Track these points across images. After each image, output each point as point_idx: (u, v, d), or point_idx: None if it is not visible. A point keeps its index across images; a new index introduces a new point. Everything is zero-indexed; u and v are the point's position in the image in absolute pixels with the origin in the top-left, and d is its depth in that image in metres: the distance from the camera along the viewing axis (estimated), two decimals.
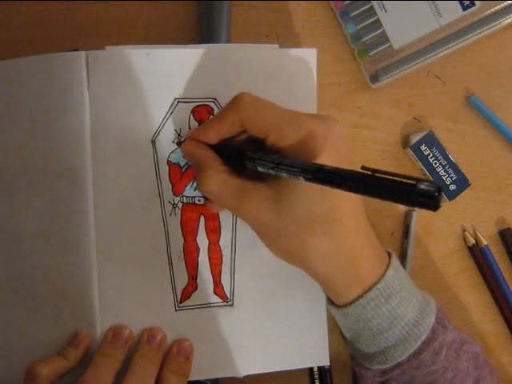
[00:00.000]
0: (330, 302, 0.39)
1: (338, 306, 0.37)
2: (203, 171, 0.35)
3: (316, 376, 0.46)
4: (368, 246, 0.36)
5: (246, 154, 0.35)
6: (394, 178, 0.26)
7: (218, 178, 0.35)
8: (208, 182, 0.35)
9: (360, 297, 0.36)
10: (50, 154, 0.39)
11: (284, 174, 0.32)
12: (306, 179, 0.30)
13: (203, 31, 0.45)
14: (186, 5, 0.46)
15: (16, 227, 0.40)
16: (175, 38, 0.46)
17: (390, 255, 0.38)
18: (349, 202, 0.35)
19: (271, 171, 0.33)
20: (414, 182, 0.25)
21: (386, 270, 0.36)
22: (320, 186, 0.30)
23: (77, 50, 0.40)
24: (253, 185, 0.35)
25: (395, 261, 0.37)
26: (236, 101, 0.35)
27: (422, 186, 0.25)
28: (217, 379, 0.45)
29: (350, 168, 0.29)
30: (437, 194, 0.25)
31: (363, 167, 0.28)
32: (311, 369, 0.46)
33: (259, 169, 0.34)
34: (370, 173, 0.27)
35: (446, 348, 0.37)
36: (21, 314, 0.40)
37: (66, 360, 0.37)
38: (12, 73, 0.40)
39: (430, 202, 0.25)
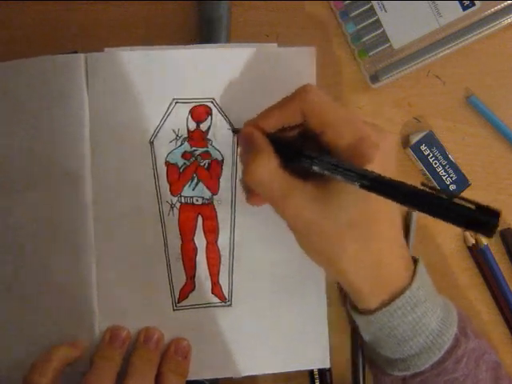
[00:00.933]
0: (353, 307, 0.38)
1: (361, 313, 0.37)
2: (255, 159, 0.34)
3: (316, 376, 0.46)
4: (400, 256, 0.36)
5: (304, 152, 0.34)
6: (452, 198, 0.27)
7: (268, 169, 0.34)
8: (260, 171, 0.34)
9: (387, 304, 0.35)
10: (50, 154, 0.39)
11: (339, 177, 0.32)
12: (362, 186, 0.30)
13: (203, 31, 0.45)
14: (186, 5, 0.46)
15: (15, 227, 0.40)
16: (175, 38, 0.46)
17: (415, 261, 0.38)
18: (389, 211, 0.35)
19: (326, 172, 0.32)
20: (473, 207, 0.26)
21: (412, 279, 0.36)
22: (365, 193, 0.30)
23: (75, 52, 0.40)
24: (299, 182, 0.34)
25: (421, 268, 0.37)
26: (301, 91, 0.35)
27: (482, 213, 0.26)
28: (216, 379, 0.45)
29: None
30: (495, 222, 0.25)
31: (422, 184, 0.29)
32: (311, 369, 0.46)
33: (314, 168, 0.33)
34: (430, 191, 0.28)
35: (467, 356, 0.37)
36: (20, 314, 0.40)
37: (74, 348, 0.38)
38: (11, 74, 0.40)
39: (488, 229, 0.25)
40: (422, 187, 0.28)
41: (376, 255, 0.35)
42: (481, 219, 0.25)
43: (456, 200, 0.27)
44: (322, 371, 0.46)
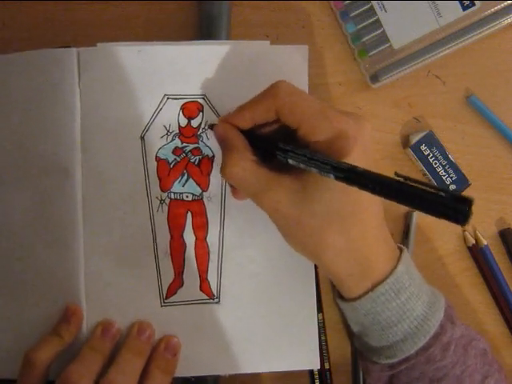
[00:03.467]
0: (339, 295, 0.39)
1: (347, 300, 0.38)
2: (230, 156, 0.35)
3: (316, 376, 0.46)
4: (383, 245, 0.37)
5: (278, 145, 0.34)
6: (425, 188, 0.27)
7: (243, 166, 0.35)
8: (232, 168, 0.35)
9: (370, 290, 0.36)
10: (40, 148, 0.40)
11: (314, 170, 0.32)
12: (337, 178, 0.30)
13: (203, 31, 0.45)
14: (185, 4, 0.46)
15: (4, 220, 0.40)
16: (175, 38, 0.46)
17: (401, 250, 0.38)
18: (370, 202, 0.35)
19: (301, 165, 0.33)
20: (445, 195, 0.26)
21: (396, 266, 0.36)
22: (343, 185, 0.30)
23: (69, 46, 0.40)
24: (277, 176, 0.35)
25: (406, 256, 0.38)
26: (273, 88, 0.35)
27: (454, 200, 0.25)
28: (217, 377, 0.45)
29: (375, 169, 0.29)
30: (467, 209, 0.25)
31: (396, 174, 0.29)
32: (311, 369, 0.46)
33: (289, 161, 0.34)
34: (402, 180, 0.28)
35: (455, 344, 0.37)
36: (7, 305, 0.40)
37: (60, 338, 0.38)
38: (4, 68, 0.40)
39: (459, 216, 0.25)
40: (395, 177, 0.28)
41: (357, 245, 0.35)
42: (453, 207, 0.25)
43: (429, 189, 0.27)
44: (321, 371, 0.46)
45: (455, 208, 0.25)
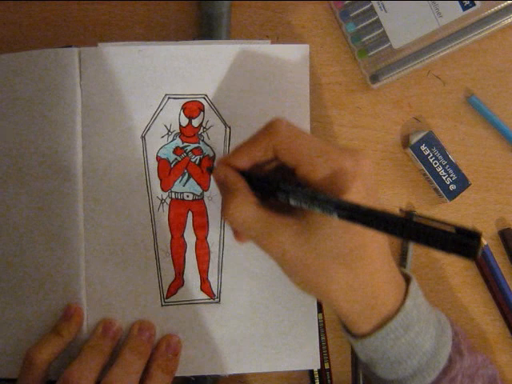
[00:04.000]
0: (346, 330, 0.38)
1: (354, 336, 0.37)
2: (231, 200, 0.34)
3: (316, 376, 0.46)
4: (390, 280, 0.36)
5: (280, 186, 0.33)
6: (431, 223, 0.26)
7: (246, 209, 0.34)
8: (234, 212, 0.34)
9: (379, 327, 0.35)
10: (41, 147, 0.40)
11: (317, 210, 0.31)
12: (340, 216, 0.30)
13: (203, 30, 0.45)
14: (186, 4, 0.46)
15: (5, 220, 0.40)
16: (175, 38, 0.46)
17: (408, 280, 0.37)
18: (376, 240, 0.34)
19: (303, 205, 0.32)
20: (452, 230, 0.25)
21: (404, 300, 0.35)
22: (347, 222, 0.29)
23: (70, 46, 0.40)
24: (279, 218, 0.34)
25: (413, 287, 0.37)
26: (270, 126, 0.34)
27: (462, 235, 0.25)
28: (217, 377, 0.45)
29: (377, 203, 0.29)
30: (476, 244, 0.25)
31: (401, 210, 0.28)
32: (311, 369, 0.46)
33: (291, 201, 0.33)
34: (407, 217, 0.27)
35: (462, 374, 0.36)
36: (8, 307, 0.40)
37: (60, 337, 0.38)
38: (4, 67, 0.40)
39: (470, 251, 0.25)
40: (400, 214, 0.28)
41: (365, 283, 0.34)
42: (462, 243, 0.25)
43: (435, 224, 0.26)
44: (321, 371, 0.46)
45: (465, 244, 0.25)
